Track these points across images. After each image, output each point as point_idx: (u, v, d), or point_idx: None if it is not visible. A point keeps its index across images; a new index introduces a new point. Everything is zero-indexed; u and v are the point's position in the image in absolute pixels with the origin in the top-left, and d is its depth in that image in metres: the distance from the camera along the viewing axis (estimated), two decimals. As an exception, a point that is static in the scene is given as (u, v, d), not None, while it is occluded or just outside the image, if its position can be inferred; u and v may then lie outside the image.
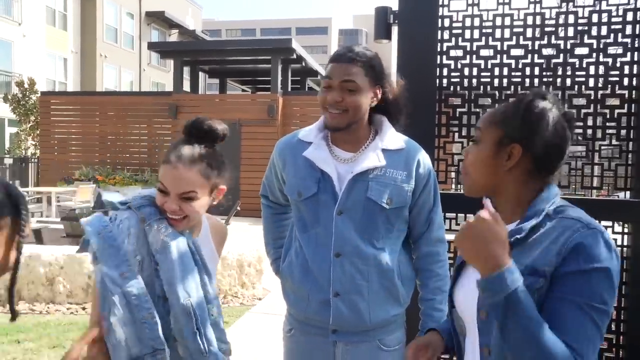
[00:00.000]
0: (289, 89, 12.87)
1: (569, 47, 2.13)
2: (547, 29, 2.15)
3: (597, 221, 1.04)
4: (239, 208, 8.98)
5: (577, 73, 2.14)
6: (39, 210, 9.98)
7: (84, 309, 4.67)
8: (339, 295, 1.55)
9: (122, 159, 13.10)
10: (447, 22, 2.19)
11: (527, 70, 2.16)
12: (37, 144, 14.85)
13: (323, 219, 1.57)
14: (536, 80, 2.16)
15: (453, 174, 2.41)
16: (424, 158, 1.64)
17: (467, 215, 2.20)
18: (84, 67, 23.74)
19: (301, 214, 1.62)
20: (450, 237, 2.26)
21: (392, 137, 1.63)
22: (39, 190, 10.78)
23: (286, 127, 11.86)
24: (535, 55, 2.16)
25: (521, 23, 2.16)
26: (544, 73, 2.16)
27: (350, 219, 1.55)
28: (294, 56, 12.03)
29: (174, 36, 28.48)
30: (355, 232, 1.55)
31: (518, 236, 1.04)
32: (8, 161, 15.59)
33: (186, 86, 14.13)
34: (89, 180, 11.95)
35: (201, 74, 14.72)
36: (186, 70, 13.60)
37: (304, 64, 12.95)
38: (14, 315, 0.99)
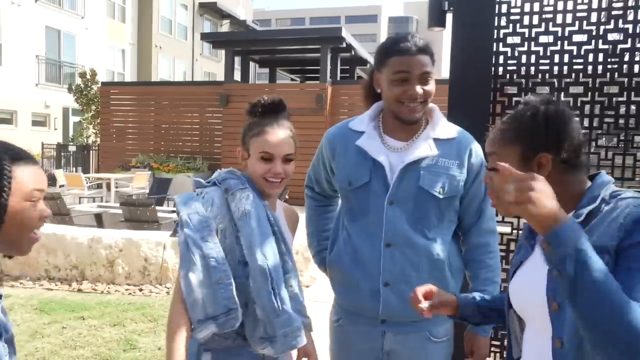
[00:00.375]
0: (338, 78, 12.83)
1: (638, 31, 2.01)
2: (614, 12, 2.03)
3: None
4: (287, 197, 9.11)
5: (646, 59, 2.01)
6: (99, 196, 10.53)
7: (140, 290, 4.91)
8: (389, 285, 1.56)
9: (175, 147, 13.54)
10: (504, 8, 2.12)
11: (590, 57, 2.06)
12: (97, 132, 15.61)
13: (374, 208, 1.57)
14: (600, 67, 2.06)
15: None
16: (476, 148, 1.61)
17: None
18: (141, 58, 24.64)
19: (350, 203, 1.63)
20: (502, 229, 2.22)
21: (444, 127, 1.61)
22: (100, 177, 11.36)
23: (335, 117, 11.84)
24: (600, 41, 2.05)
25: (585, 7, 2.06)
26: (609, 59, 2.05)
27: (401, 209, 1.55)
28: (344, 45, 11.95)
29: (225, 26, 29.02)
30: (406, 222, 1.54)
31: (576, 220, 1.02)
32: (72, 148, 16.50)
33: (237, 76, 14.38)
34: (145, 167, 12.45)
35: (251, 64, 14.93)
36: (237, 60, 13.83)
37: (353, 52, 12.86)
38: None
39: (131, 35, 23.94)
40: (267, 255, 1.38)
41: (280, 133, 1.46)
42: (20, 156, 1.02)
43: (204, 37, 14.48)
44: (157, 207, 6.60)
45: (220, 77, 22.97)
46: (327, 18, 61.58)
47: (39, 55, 19.05)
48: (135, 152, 13.39)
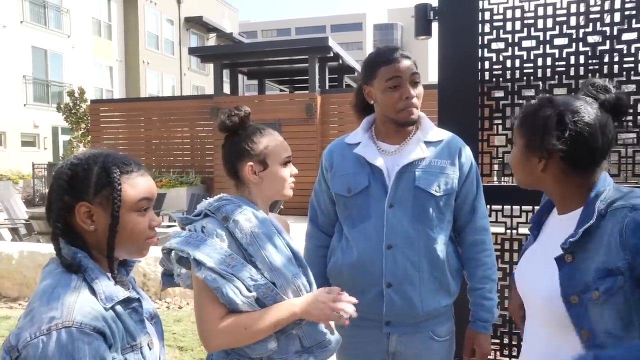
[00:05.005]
0: (327, 87, 12.93)
1: (615, 33, 2.10)
2: (592, 16, 2.12)
3: None
4: (282, 207, 9.14)
5: (625, 59, 2.09)
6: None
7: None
8: (392, 286, 1.60)
9: (166, 162, 13.54)
10: (487, 15, 2.20)
11: (572, 59, 2.14)
12: (88, 150, 15.51)
13: (374, 212, 1.62)
14: (581, 69, 2.14)
15: (496, 167, 2.41)
16: (464, 148, 1.69)
17: (513, 207, 2.20)
18: (128, 74, 24.63)
19: (349, 211, 1.68)
20: (496, 229, 2.28)
21: (433, 130, 1.69)
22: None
23: (325, 125, 11.92)
24: (580, 44, 2.13)
25: (564, 12, 2.14)
26: (590, 61, 2.13)
27: (401, 211, 1.60)
28: (331, 54, 12.07)
29: (212, 40, 29.11)
30: (407, 223, 1.60)
31: (572, 239, 1.06)
32: (62, 167, 16.38)
33: (226, 88, 14.43)
34: (138, 183, 12.36)
35: (240, 76, 15.01)
36: (225, 72, 13.90)
37: (340, 61, 12.97)
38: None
39: (118, 52, 23.94)
40: (293, 270, 1.34)
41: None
42: (129, 167, 1.06)
43: (192, 51, 14.55)
44: (152, 223, 6.59)
45: (209, 90, 22.99)
46: (312, 28, 61.97)
47: (26, 76, 19.01)
48: (127, 169, 13.31)
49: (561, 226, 1.13)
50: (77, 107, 16.18)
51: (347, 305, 1.31)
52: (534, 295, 1.14)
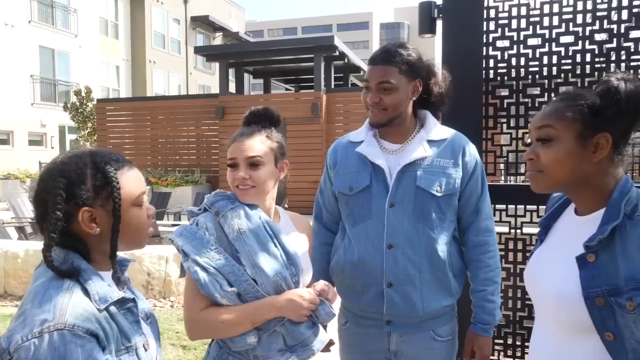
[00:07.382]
0: (332, 86, 12.91)
1: (623, 30, 2.07)
2: (599, 14, 2.09)
3: None
4: (286, 206, 9.14)
5: (633, 57, 2.06)
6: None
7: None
8: (392, 286, 1.59)
9: (172, 160, 13.58)
10: (492, 13, 2.17)
11: (578, 57, 2.11)
12: (94, 149, 15.58)
13: (375, 211, 1.61)
14: (588, 67, 2.11)
15: (502, 165, 2.39)
16: (469, 147, 1.66)
17: (517, 206, 2.18)
18: (135, 74, 24.73)
19: (351, 209, 1.67)
20: (501, 228, 2.25)
21: (437, 129, 1.67)
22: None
23: (330, 124, 11.92)
24: (587, 42, 2.11)
25: (571, 9, 2.12)
26: (596, 59, 2.11)
27: (402, 210, 1.59)
28: (337, 53, 12.05)
29: (218, 39, 29.16)
30: (408, 222, 1.58)
31: (601, 237, 1.02)
32: (69, 166, 16.46)
33: (232, 87, 14.45)
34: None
35: (246, 75, 15.02)
36: (231, 72, 13.91)
37: (346, 60, 12.95)
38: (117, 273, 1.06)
39: (125, 52, 24.03)
40: (275, 268, 1.35)
41: (247, 138, 1.41)
42: (119, 163, 1.03)
43: (198, 50, 14.58)
44: (158, 221, 6.62)
45: (215, 89, 23.06)
46: (319, 27, 61.91)
47: (33, 75, 19.12)
48: (133, 168, 13.37)
49: (580, 227, 1.09)
50: (84, 106, 16.26)
51: (325, 307, 1.36)
52: (545, 294, 1.12)
